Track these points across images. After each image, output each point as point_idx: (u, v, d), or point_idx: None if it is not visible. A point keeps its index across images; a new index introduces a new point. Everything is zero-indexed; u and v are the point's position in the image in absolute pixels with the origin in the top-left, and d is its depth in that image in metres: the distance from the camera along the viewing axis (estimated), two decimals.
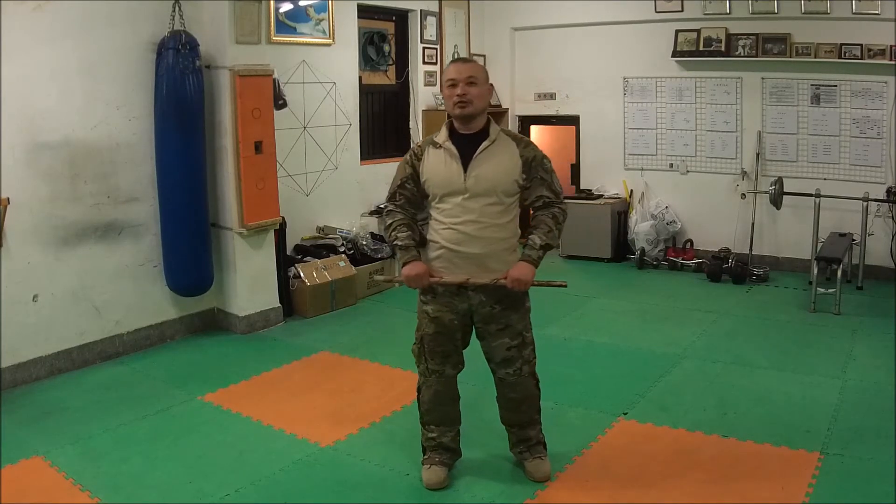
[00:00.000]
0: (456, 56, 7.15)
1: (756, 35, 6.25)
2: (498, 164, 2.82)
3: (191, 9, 4.57)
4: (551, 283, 2.97)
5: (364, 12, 6.20)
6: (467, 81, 2.78)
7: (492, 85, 2.92)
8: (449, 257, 2.84)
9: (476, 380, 3.43)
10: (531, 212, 2.95)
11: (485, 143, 2.83)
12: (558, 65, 7.29)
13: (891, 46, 5.73)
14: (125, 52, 4.41)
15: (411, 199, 2.92)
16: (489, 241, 2.82)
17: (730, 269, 6.18)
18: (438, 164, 2.84)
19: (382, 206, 3.00)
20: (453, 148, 2.84)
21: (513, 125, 7.56)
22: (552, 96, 7.40)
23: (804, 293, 5.66)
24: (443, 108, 6.72)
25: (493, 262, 2.83)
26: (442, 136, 2.88)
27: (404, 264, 2.86)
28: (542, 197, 2.88)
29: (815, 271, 5.37)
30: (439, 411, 3.02)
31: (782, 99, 6.32)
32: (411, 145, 6.74)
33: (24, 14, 3.95)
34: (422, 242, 2.93)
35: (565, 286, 3.02)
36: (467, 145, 2.83)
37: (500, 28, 7.48)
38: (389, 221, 2.92)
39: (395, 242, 2.89)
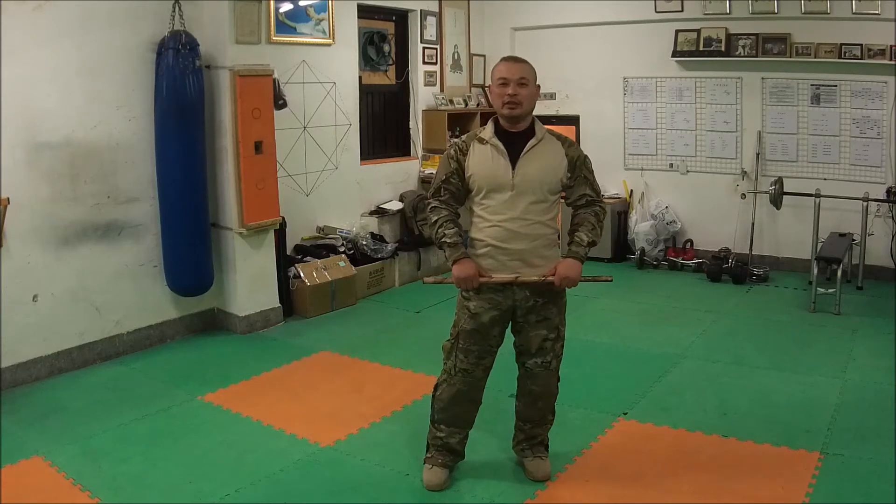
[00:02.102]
0: (456, 55, 7.16)
1: (756, 35, 6.25)
2: (545, 162, 2.84)
3: (191, 9, 4.56)
4: (598, 278, 3.09)
5: (364, 12, 6.19)
6: (519, 82, 2.79)
7: (539, 85, 2.91)
8: (494, 254, 2.85)
9: None
10: (572, 210, 2.97)
11: (532, 142, 2.84)
12: (558, 65, 7.27)
13: (891, 46, 5.73)
14: (125, 52, 4.41)
15: (455, 194, 2.91)
16: (533, 238, 2.84)
17: (730, 269, 6.18)
18: (485, 160, 2.84)
19: (427, 202, 2.98)
20: (500, 144, 2.84)
21: None
22: (552, 96, 7.39)
23: (804, 293, 5.66)
24: (442, 108, 6.74)
25: (535, 258, 2.85)
26: (488, 132, 2.88)
27: (454, 262, 2.84)
28: (586, 195, 2.92)
29: (815, 271, 5.37)
30: (455, 412, 3.00)
31: (782, 99, 6.32)
32: (412, 145, 6.80)
33: (24, 14, 3.95)
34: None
35: (611, 280, 3.16)
36: (513, 143, 2.84)
37: (500, 28, 7.48)
38: (435, 218, 2.90)
39: (442, 240, 2.87)
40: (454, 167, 2.89)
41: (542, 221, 2.86)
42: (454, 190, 2.91)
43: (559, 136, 2.93)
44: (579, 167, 2.89)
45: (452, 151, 2.91)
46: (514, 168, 2.81)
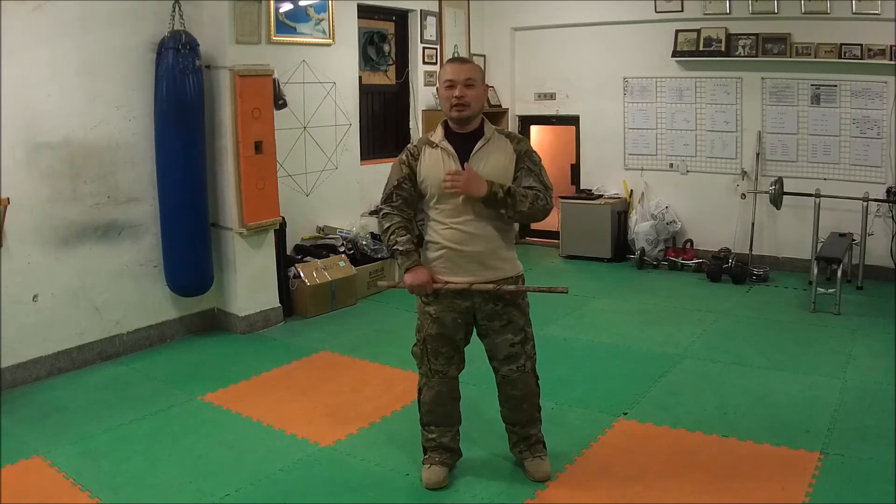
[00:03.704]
0: (456, 54, 7.15)
1: (756, 35, 6.25)
2: (495, 162, 2.82)
3: (191, 9, 4.57)
4: (553, 289, 2.97)
5: (364, 12, 6.19)
6: (465, 83, 2.78)
7: (487, 85, 2.91)
8: (451, 256, 2.84)
9: (476, 379, 3.43)
10: None
11: (480, 142, 2.84)
12: (558, 65, 7.29)
13: (891, 46, 5.73)
14: (125, 52, 4.42)
15: (408, 199, 2.91)
16: (489, 239, 2.82)
17: (730, 269, 6.18)
18: (436, 164, 2.84)
19: (377, 207, 2.98)
20: (450, 147, 2.84)
21: (513, 125, 7.56)
22: (552, 96, 7.40)
23: (804, 293, 5.66)
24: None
25: (493, 260, 2.84)
26: (438, 135, 2.88)
27: (406, 270, 2.84)
28: (532, 188, 2.81)
29: (815, 271, 5.37)
30: (440, 412, 3.02)
31: (782, 99, 6.32)
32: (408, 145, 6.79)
33: (24, 14, 3.95)
34: (419, 242, 2.92)
35: (566, 291, 3.00)
36: (463, 144, 2.83)
37: (500, 28, 7.48)
38: (387, 224, 2.89)
39: (394, 247, 2.86)
40: (406, 172, 2.88)
41: (498, 222, 2.84)
42: (406, 196, 2.89)
43: (508, 134, 2.92)
44: (522, 158, 2.84)
45: (404, 156, 2.90)
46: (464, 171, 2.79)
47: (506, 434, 3.14)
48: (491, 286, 2.81)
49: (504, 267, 2.85)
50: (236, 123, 4.68)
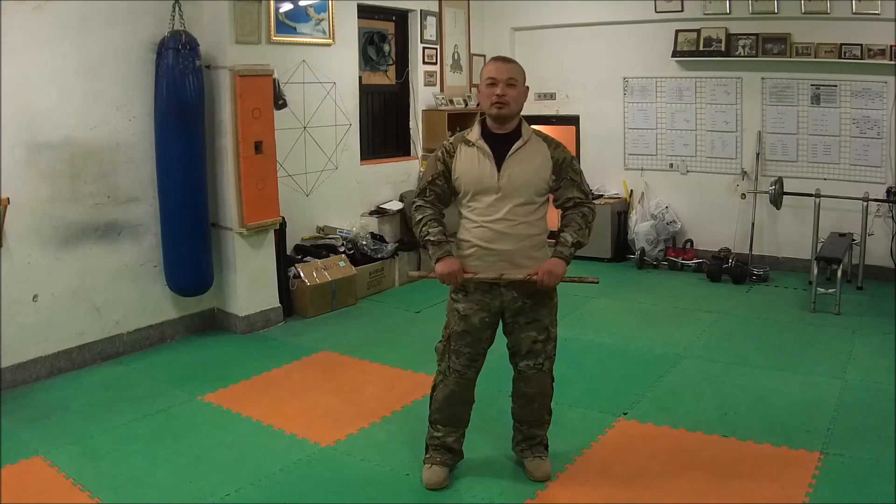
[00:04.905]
0: (456, 55, 7.16)
1: (756, 35, 6.25)
2: (530, 164, 2.84)
3: (191, 9, 4.56)
4: (584, 279, 3.05)
5: (364, 12, 6.19)
6: (507, 83, 2.79)
7: (527, 87, 2.92)
8: (480, 255, 2.86)
9: (479, 379, 3.42)
10: (560, 211, 2.96)
11: (518, 144, 2.84)
12: (558, 65, 7.29)
13: (891, 46, 5.74)
14: (125, 52, 4.42)
15: (441, 195, 2.93)
16: (519, 238, 2.84)
17: (730, 269, 6.18)
18: (471, 163, 2.85)
19: (412, 201, 2.99)
20: (486, 147, 2.84)
21: None
22: (552, 96, 7.39)
23: (804, 293, 5.66)
24: (442, 108, 6.73)
25: (522, 259, 2.85)
26: (475, 134, 2.89)
27: (437, 260, 2.85)
28: (574, 198, 2.90)
29: (815, 271, 5.37)
30: (449, 412, 3.02)
31: (782, 99, 6.32)
32: (412, 145, 6.80)
33: (24, 14, 3.95)
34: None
35: (597, 282, 3.07)
36: (500, 144, 2.85)
37: (500, 28, 7.48)
38: (419, 217, 2.91)
39: (427, 238, 2.88)
40: (441, 169, 2.90)
41: (529, 222, 2.86)
42: (440, 191, 2.92)
43: (545, 138, 2.93)
44: (565, 169, 2.88)
45: (440, 153, 2.92)
46: (499, 171, 2.81)
47: (507, 433, 3.15)
48: (521, 277, 2.82)
49: (532, 265, 2.85)
50: (236, 123, 4.68)
